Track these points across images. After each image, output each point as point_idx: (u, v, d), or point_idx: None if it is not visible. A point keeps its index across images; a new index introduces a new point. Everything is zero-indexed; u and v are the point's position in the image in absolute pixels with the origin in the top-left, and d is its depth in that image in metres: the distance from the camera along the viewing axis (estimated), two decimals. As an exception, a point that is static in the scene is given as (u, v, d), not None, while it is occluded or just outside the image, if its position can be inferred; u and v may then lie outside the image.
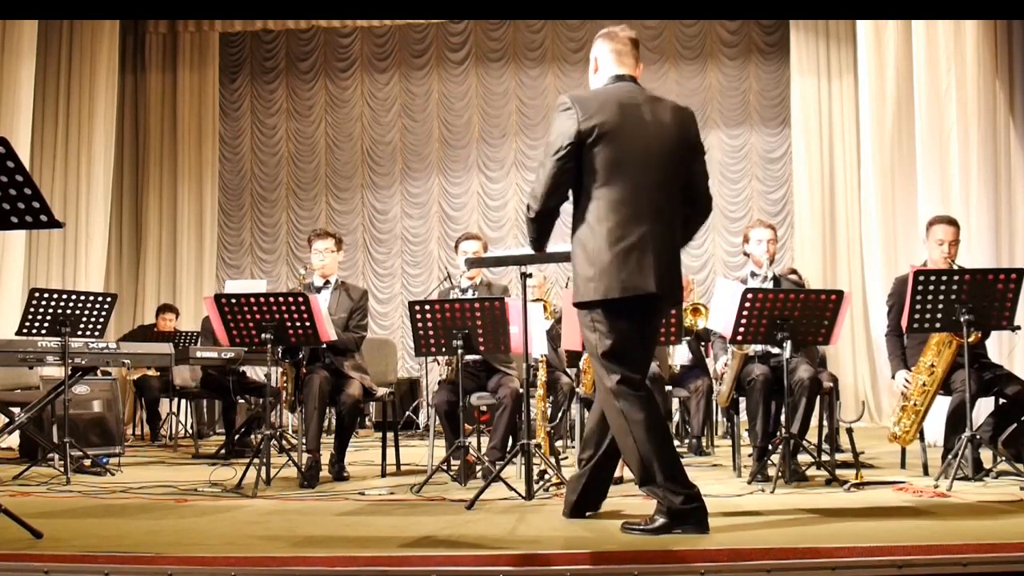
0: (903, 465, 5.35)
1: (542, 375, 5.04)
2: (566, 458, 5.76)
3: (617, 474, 4.80)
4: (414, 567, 2.77)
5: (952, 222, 5.03)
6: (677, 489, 3.23)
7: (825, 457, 5.40)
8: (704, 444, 6.66)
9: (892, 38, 8.23)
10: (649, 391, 3.34)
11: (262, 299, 4.81)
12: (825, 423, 5.76)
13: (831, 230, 10.90)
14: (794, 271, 6.96)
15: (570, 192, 3.38)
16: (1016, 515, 3.62)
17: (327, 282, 5.53)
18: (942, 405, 5.00)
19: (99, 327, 5.45)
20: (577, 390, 5.50)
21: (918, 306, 4.47)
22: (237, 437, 6.92)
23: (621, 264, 3.24)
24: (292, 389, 5.29)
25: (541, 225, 3.44)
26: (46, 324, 5.27)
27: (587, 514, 3.63)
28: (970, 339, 4.45)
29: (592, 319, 3.34)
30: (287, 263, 12.14)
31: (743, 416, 5.35)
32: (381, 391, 5.54)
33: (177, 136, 11.87)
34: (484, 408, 6.03)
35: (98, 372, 6.40)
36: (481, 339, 4.76)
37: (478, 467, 5.07)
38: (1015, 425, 4.68)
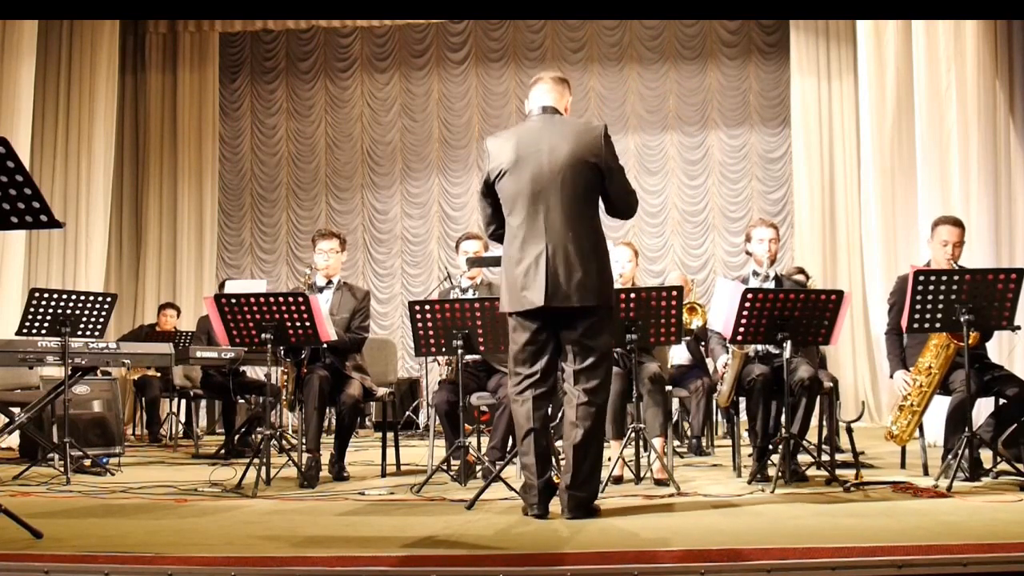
0: (903, 465, 5.35)
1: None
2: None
3: (616, 473, 4.81)
4: (414, 567, 2.77)
5: (957, 223, 5.03)
6: (527, 498, 3.71)
7: (825, 457, 5.40)
8: (704, 444, 6.66)
9: (892, 38, 8.24)
10: (535, 399, 3.72)
11: (262, 299, 4.81)
12: (825, 423, 5.75)
13: (831, 230, 10.90)
14: (801, 270, 6.96)
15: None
16: (1016, 515, 3.62)
17: (330, 282, 5.53)
18: (942, 405, 5.00)
19: (99, 327, 5.45)
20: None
21: (918, 306, 4.47)
22: (237, 437, 6.92)
23: (518, 283, 3.70)
24: (292, 388, 5.29)
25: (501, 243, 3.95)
26: (46, 324, 5.27)
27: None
28: (969, 342, 4.44)
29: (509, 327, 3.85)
30: (287, 263, 12.15)
31: (743, 416, 5.35)
32: (381, 391, 5.54)
33: (177, 136, 11.87)
34: (484, 408, 6.03)
35: (98, 372, 6.40)
36: (481, 339, 4.76)
37: (478, 467, 5.07)
38: (1015, 425, 4.68)
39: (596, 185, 3.78)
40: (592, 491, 3.70)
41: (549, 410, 3.89)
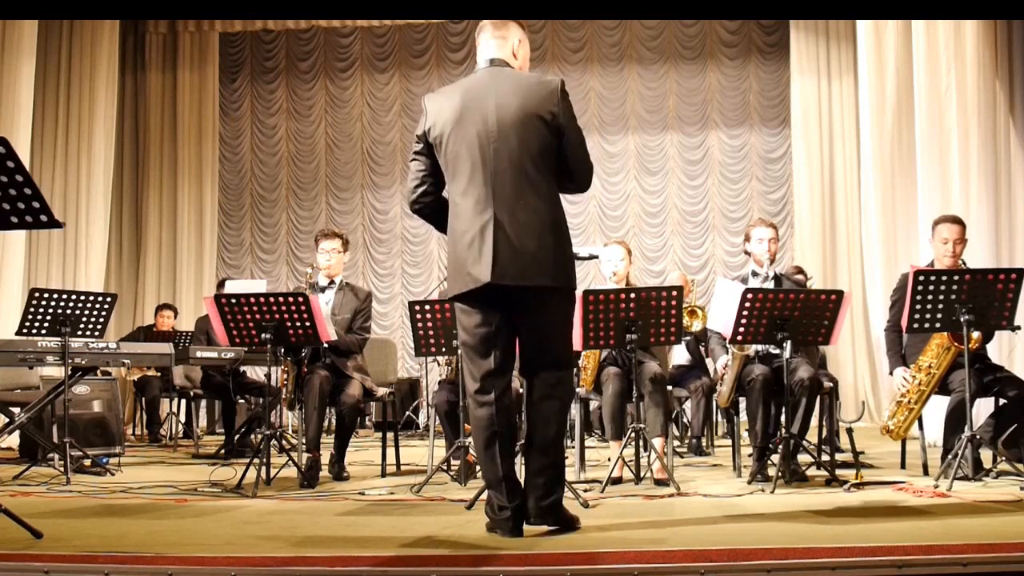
0: (903, 465, 5.35)
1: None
2: (567, 457, 5.75)
3: (616, 474, 4.81)
4: (414, 567, 2.77)
5: (958, 221, 5.03)
6: (492, 499, 3.24)
7: (825, 457, 5.40)
8: (704, 444, 6.66)
9: (892, 38, 8.23)
10: (492, 398, 3.22)
11: (262, 299, 4.81)
12: (825, 423, 5.75)
13: (831, 230, 10.90)
14: (800, 270, 6.96)
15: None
16: (1016, 515, 3.62)
17: (332, 282, 5.54)
18: (941, 404, 5.00)
19: (99, 327, 5.45)
20: (577, 389, 5.50)
21: (918, 306, 4.47)
22: (237, 437, 6.92)
23: (464, 259, 3.20)
24: (292, 387, 5.29)
25: (424, 219, 3.46)
26: (46, 324, 5.27)
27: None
28: (970, 345, 4.44)
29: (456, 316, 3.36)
30: (287, 263, 12.15)
31: (743, 416, 5.35)
32: (381, 391, 5.54)
33: (177, 136, 11.87)
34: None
35: (98, 372, 6.40)
36: (481, 339, 4.75)
37: (478, 467, 5.07)
38: (1015, 425, 4.67)
39: (551, 147, 3.24)
40: (558, 497, 3.25)
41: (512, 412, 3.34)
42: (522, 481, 3.28)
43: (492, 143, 3.21)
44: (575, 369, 5.53)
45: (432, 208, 3.41)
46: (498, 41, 3.37)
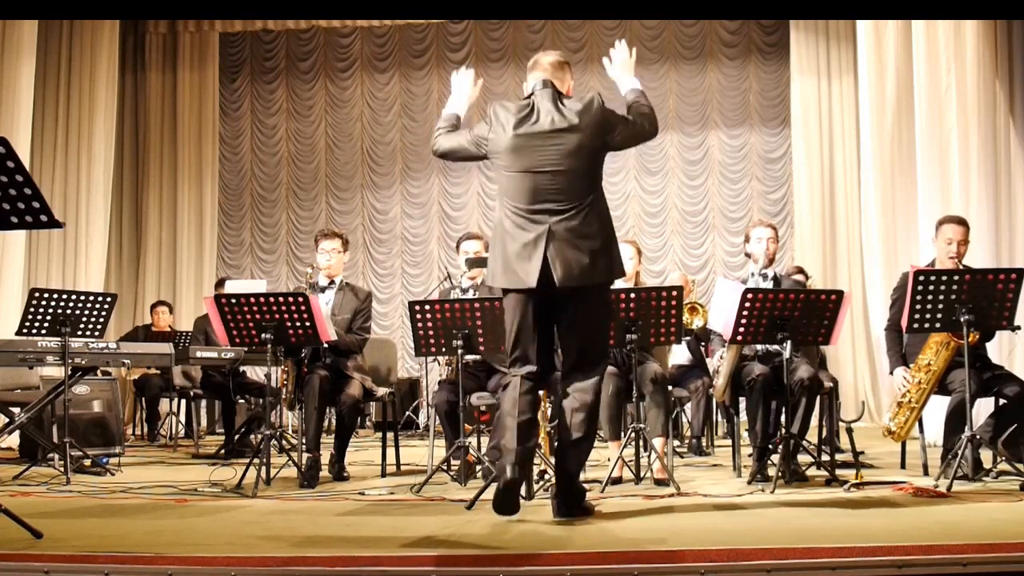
0: (903, 465, 5.35)
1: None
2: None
3: (616, 474, 4.81)
4: (414, 567, 2.77)
5: (962, 222, 5.03)
6: (498, 474, 3.58)
7: (825, 457, 5.40)
8: (704, 444, 6.66)
9: (892, 38, 8.23)
10: (526, 385, 3.65)
11: (262, 299, 4.81)
12: (825, 423, 5.75)
13: (831, 230, 10.89)
14: (800, 270, 6.96)
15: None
16: (1016, 515, 3.62)
17: (332, 282, 5.54)
18: (941, 404, 5.00)
19: (99, 327, 5.45)
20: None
21: (918, 306, 4.47)
22: (237, 437, 6.92)
23: (512, 258, 3.63)
24: (292, 387, 5.29)
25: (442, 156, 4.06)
26: (46, 324, 5.27)
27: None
28: (969, 339, 4.45)
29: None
30: (287, 263, 12.15)
31: (743, 416, 5.35)
32: (381, 391, 5.54)
33: (177, 136, 11.87)
34: (484, 408, 6.02)
35: (98, 372, 6.40)
36: (481, 339, 4.76)
37: (478, 467, 5.07)
38: (1015, 425, 4.67)
39: (600, 161, 3.75)
40: (581, 490, 3.72)
41: (539, 399, 3.84)
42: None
43: (550, 173, 3.64)
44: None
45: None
46: (552, 77, 3.80)
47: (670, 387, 5.21)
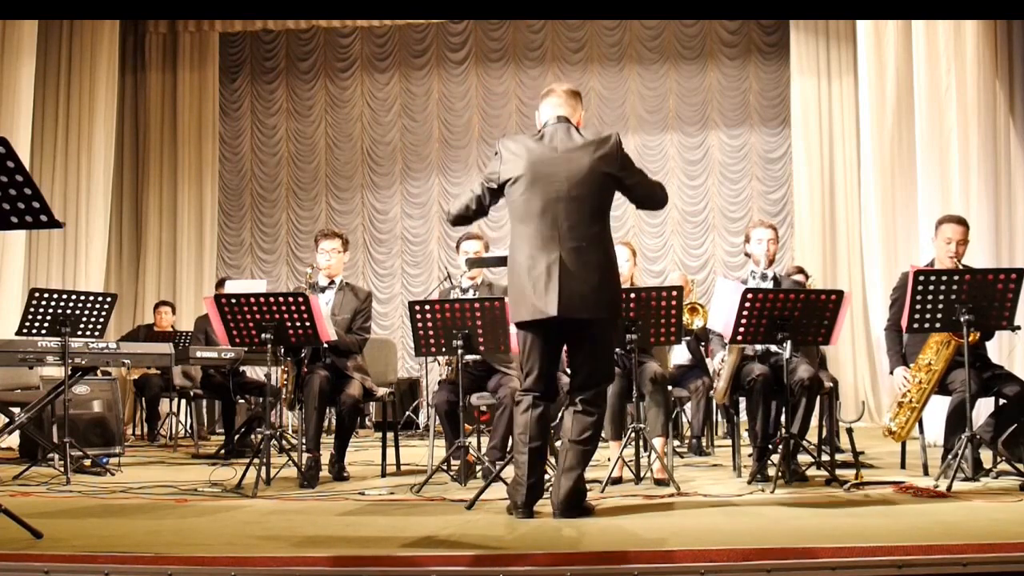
0: (903, 465, 5.35)
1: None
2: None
3: (616, 474, 4.81)
4: (414, 567, 2.77)
5: (961, 221, 5.03)
6: (514, 494, 3.73)
7: (825, 457, 5.40)
8: (704, 444, 6.66)
9: (892, 38, 8.23)
10: (538, 405, 3.78)
11: (262, 299, 4.81)
12: (825, 423, 5.75)
13: (831, 230, 10.89)
14: (800, 270, 6.95)
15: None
16: (1016, 515, 3.62)
17: (332, 282, 5.54)
18: (942, 404, 5.00)
19: (99, 327, 5.45)
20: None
21: (918, 306, 4.47)
22: (237, 437, 6.92)
23: (528, 290, 3.72)
24: (292, 387, 5.29)
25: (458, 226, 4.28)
26: (46, 324, 5.27)
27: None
28: (969, 339, 4.45)
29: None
30: (287, 263, 12.15)
31: (743, 416, 5.34)
32: (381, 391, 5.54)
33: (177, 136, 11.87)
34: (484, 408, 6.03)
35: (98, 372, 6.40)
36: (481, 339, 4.76)
37: (478, 467, 5.07)
38: (1015, 425, 4.68)
39: (610, 195, 3.84)
40: (581, 491, 3.77)
41: (550, 421, 3.96)
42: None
43: (562, 200, 3.73)
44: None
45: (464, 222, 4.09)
46: (567, 108, 3.89)
47: (670, 387, 5.21)
